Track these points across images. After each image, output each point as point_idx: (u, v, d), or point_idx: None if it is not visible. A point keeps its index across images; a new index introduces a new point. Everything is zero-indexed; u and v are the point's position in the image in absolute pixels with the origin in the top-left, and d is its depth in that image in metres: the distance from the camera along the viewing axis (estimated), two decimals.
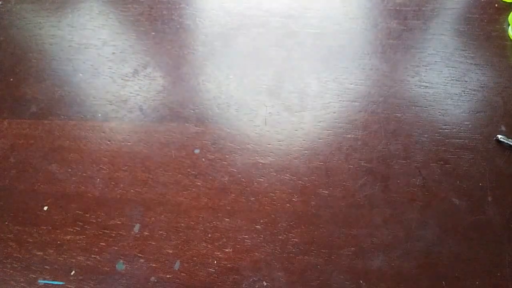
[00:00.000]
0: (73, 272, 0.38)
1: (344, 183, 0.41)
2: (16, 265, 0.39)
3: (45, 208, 0.42)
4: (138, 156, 0.44)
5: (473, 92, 0.44)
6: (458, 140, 0.42)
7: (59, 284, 0.38)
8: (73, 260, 0.39)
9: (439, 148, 0.42)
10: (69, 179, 0.43)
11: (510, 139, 0.41)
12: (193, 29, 0.52)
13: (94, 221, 0.41)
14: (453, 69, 0.46)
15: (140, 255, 0.39)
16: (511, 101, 0.43)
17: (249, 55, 0.49)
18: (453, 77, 0.45)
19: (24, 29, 0.55)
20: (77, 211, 0.41)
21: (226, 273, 0.37)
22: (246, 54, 0.49)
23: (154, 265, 0.38)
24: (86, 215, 0.41)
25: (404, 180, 0.40)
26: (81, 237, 0.40)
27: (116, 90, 0.48)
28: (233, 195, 0.41)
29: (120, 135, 0.45)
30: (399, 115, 0.44)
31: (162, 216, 0.40)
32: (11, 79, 0.51)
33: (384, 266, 0.37)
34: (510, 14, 0.46)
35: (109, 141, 0.45)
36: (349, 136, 0.43)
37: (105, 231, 0.40)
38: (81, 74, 0.50)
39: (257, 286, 0.36)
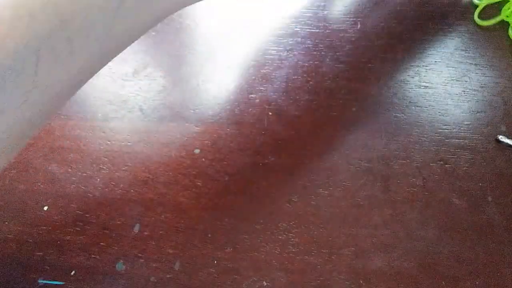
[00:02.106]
0: (73, 272, 0.38)
1: (344, 183, 0.41)
2: (16, 265, 0.39)
3: (45, 208, 0.42)
4: (138, 156, 0.44)
5: (473, 92, 0.44)
6: (458, 140, 0.42)
7: (59, 284, 0.38)
8: (73, 260, 0.39)
9: (439, 148, 0.42)
10: (69, 179, 0.43)
11: (510, 139, 0.41)
12: (193, 29, 0.52)
13: (94, 221, 0.41)
14: (453, 69, 0.46)
15: (140, 255, 0.39)
16: (511, 101, 0.43)
17: (249, 55, 0.49)
18: (453, 77, 0.45)
19: None
20: (77, 211, 0.41)
21: (226, 273, 0.37)
22: (246, 54, 0.49)
23: (154, 265, 0.38)
24: (86, 215, 0.41)
25: (404, 180, 0.40)
26: (81, 237, 0.40)
27: (116, 90, 0.48)
28: (233, 195, 0.41)
29: (120, 135, 0.45)
30: (399, 115, 0.44)
31: (162, 216, 0.40)
32: None
33: (384, 266, 0.37)
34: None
35: (109, 141, 0.45)
36: (349, 136, 0.43)
37: (105, 231, 0.40)
38: None
39: (257, 286, 0.36)
